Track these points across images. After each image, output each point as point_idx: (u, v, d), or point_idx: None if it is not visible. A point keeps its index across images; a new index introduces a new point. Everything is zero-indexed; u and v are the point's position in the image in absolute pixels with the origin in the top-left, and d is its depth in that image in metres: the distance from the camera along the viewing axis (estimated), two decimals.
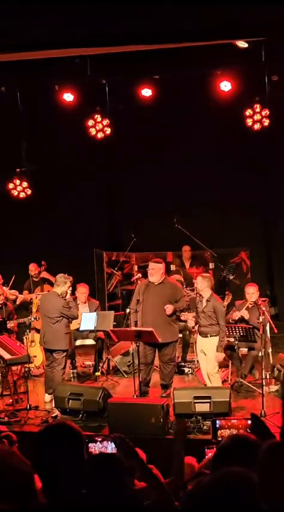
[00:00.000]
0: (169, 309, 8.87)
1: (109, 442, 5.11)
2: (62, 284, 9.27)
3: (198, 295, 9.32)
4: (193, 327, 9.54)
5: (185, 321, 10.37)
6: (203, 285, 8.97)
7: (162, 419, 7.71)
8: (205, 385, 9.05)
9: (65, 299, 9.26)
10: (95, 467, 3.42)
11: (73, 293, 10.77)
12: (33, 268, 12.27)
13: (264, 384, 8.41)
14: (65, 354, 9.35)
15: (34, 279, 12.26)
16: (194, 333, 10.26)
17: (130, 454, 3.19)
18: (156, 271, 9.03)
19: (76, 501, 2.65)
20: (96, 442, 5.21)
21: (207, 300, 8.94)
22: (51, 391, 9.23)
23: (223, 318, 8.97)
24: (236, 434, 4.70)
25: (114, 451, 4.95)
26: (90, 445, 5.18)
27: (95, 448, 5.19)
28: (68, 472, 2.65)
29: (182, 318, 10.07)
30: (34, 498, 2.60)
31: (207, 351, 8.92)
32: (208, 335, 8.92)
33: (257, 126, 11.09)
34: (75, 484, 2.66)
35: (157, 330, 8.60)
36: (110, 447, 5.10)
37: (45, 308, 9.37)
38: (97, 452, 3.80)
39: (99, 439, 5.21)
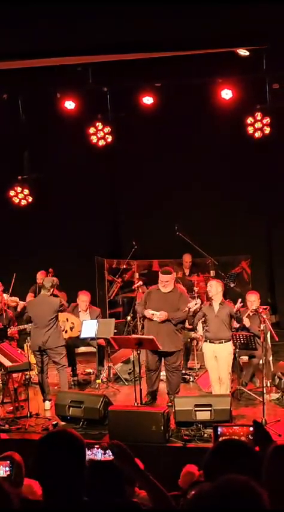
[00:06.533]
0: (162, 316, 8.82)
1: (99, 450, 5.07)
2: (50, 287, 9.47)
3: (207, 301, 9.23)
4: (201, 337, 9.28)
5: (190, 329, 10.36)
6: (217, 289, 8.93)
7: (162, 427, 7.69)
8: (211, 392, 9.03)
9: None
10: (94, 475, 3.41)
11: (74, 300, 10.79)
12: (41, 276, 12.19)
13: (265, 391, 8.38)
14: (64, 353, 9.50)
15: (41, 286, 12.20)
16: (199, 341, 10.24)
17: (126, 462, 3.18)
18: (169, 282, 9.02)
19: (77, 508, 2.65)
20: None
21: (220, 304, 8.92)
22: (50, 397, 9.25)
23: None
24: (225, 438, 4.77)
25: (104, 458, 4.92)
26: None
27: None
28: (69, 480, 2.64)
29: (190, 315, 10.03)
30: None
31: (220, 357, 8.83)
32: (223, 341, 8.87)
33: (258, 134, 11.13)
34: (76, 491, 2.65)
35: (160, 339, 8.58)
36: (100, 454, 5.06)
37: (40, 312, 9.41)
38: (87, 459, 3.78)
39: (96, 446, 5.18)
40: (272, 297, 13.54)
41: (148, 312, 8.91)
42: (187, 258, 12.88)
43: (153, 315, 8.87)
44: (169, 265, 13.20)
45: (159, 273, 9.24)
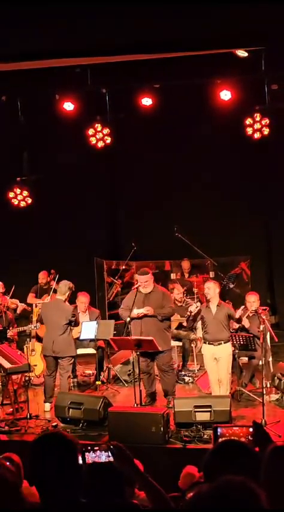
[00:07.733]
0: (149, 310, 8.82)
1: (103, 452, 5.05)
2: (66, 291, 9.37)
3: (205, 302, 9.22)
4: (200, 339, 9.35)
5: (186, 327, 10.34)
6: (215, 291, 8.94)
7: (162, 428, 7.69)
8: (210, 393, 9.02)
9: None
10: (94, 476, 3.40)
11: (74, 302, 10.78)
12: (42, 277, 12.22)
13: (264, 392, 8.38)
14: (72, 360, 9.47)
15: (43, 286, 12.22)
16: (197, 342, 10.23)
17: (126, 463, 3.18)
18: (149, 282, 9.04)
19: (74, 510, 2.64)
20: (89, 451, 5.15)
21: (218, 305, 8.92)
22: (51, 400, 9.23)
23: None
24: (225, 439, 4.76)
25: (108, 460, 4.90)
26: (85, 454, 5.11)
27: (89, 457, 5.12)
28: (63, 481, 2.63)
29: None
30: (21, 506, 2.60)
31: (220, 358, 8.83)
32: (222, 342, 8.87)
33: (257, 135, 11.11)
34: (71, 493, 2.64)
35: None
36: (104, 456, 5.04)
37: (52, 316, 9.36)
38: (91, 461, 3.73)
39: (96, 448, 5.15)
40: (271, 298, 13.54)
41: (134, 313, 8.90)
42: (185, 265, 12.88)
43: (141, 313, 8.86)
44: (173, 266, 13.26)
45: (137, 275, 9.31)
